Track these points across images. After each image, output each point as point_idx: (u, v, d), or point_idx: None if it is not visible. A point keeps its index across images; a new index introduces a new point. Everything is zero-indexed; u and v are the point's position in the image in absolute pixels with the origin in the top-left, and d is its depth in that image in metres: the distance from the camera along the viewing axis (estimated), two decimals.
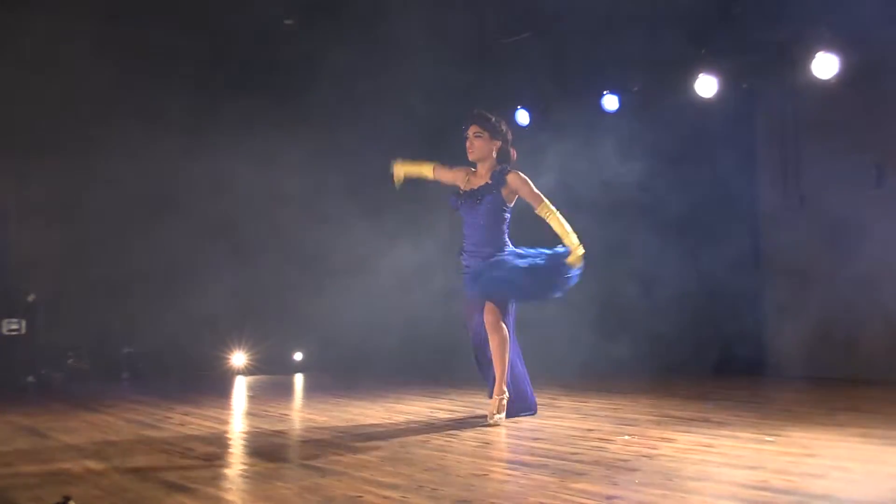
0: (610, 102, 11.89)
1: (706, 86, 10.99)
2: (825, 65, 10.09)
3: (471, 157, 7.46)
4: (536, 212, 7.27)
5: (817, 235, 10.66)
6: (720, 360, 11.23)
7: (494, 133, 7.42)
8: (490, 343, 7.16)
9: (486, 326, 7.16)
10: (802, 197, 10.79)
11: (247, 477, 5.20)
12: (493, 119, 7.44)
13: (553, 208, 7.21)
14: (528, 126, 12.71)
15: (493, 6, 11.03)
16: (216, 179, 11.59)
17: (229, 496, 4.68)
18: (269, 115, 11.73)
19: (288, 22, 11.22)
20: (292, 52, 11.82)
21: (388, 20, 10.76)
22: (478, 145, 7.38)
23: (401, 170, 7.68)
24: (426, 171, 7.73)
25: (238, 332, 11.77)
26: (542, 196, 7.27)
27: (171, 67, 11.62)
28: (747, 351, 11.05)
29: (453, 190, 7.61)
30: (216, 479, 5.11)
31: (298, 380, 11.32)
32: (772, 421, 7.06)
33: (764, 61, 11.03)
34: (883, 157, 10.16)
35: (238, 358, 11.85)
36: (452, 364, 11.52)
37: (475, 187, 7.40)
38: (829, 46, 10.03)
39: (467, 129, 7.41)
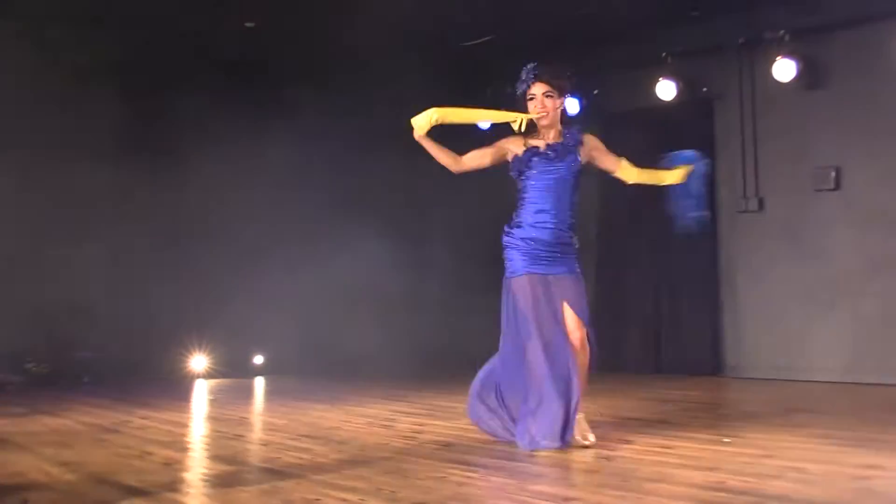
0: (570, 106, 11.90)
1: (666, 89, 11.06)
2: (784, 69, 10.20)
3: (543, 123, 6.09)
4: (618, 174, 6.28)
5: (776, 238, 10.74)
6: (678, 361, 11.29)
7: (563, 92, 6.10)
8: (580, 360, 6.04)
9: (578, 342, 6.05)
10: (761, 200, 10.87)
11: (206, 480, 5.19)
12: (568, 73, 6.15)
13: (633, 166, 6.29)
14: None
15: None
16: (171, 186, 11.54)
17: (189, 500, 4.67)
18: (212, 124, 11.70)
19: (249, 25, 11.13)
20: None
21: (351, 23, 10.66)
22: (551, 107, 6.04)
23: (436, 116, 5.92)
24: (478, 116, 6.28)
25: (198, 335, 11.70)
26: (618, 156, 6.26)
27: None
28: (706, 352, 11.12)
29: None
30: (175, 482, 5.10)
31: (259, 383, 11.29)
32: (729, 422, 7.14)
33: (723, 65, 11.12)
34: (841, 160, 10.26)
35: (198, 361, 11.79)
36: (413, 367, 11.57)
37: (550, 142, 6.10)
38: (789, 51, 10.14)
39: (530, 85, 6.05)
